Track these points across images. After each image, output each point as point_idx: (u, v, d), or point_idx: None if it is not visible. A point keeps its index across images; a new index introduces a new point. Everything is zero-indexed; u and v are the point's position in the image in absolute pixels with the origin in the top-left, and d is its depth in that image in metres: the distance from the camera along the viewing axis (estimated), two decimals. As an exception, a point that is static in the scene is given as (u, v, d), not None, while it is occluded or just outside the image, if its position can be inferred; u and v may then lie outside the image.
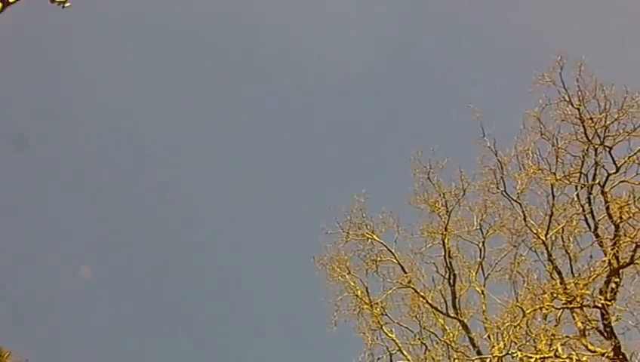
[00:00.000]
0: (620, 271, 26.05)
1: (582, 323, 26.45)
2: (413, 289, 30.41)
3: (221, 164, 53.95)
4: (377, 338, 30.38)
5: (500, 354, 26.95)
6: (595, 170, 26.65)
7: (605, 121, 26.16)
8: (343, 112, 50.70)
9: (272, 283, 46.49)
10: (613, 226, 26.24)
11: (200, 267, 52.20)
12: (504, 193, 28.91)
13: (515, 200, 28.72)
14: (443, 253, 30.25)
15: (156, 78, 52.84)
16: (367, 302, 30.67)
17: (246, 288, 48.31)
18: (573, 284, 26.75)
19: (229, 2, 53.04)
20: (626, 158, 25.99)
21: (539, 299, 27.10)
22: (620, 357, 25.28)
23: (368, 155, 47.27)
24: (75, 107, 53.16)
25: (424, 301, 30.26)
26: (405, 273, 30.55)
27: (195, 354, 48.72)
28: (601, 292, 26.02)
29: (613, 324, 25.91)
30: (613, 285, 26.01)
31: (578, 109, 26.55)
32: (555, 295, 26.81)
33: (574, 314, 26.77)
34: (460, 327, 29.83)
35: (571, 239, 27.89)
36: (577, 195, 27.25)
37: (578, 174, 26.97)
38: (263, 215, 51.13)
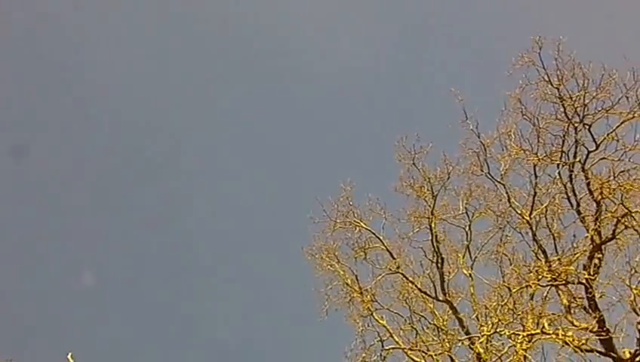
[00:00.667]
0: (603, 246, 26.31)
1: (567, 300, 26.73)
2: (403, 274, 30.61)
3: (218, 163, 54.01)
4: (368, 325, 30.48)
5: (489, 333, 27.23)
6: (576, 148, 26.84)
7: (584, 100, 26.36)
8: (326, 102, 50.87)
9: (269, 275, 46.64)
10: (594, 203, 26.48)
11: (200, 268, 52.33)
12: (488, 175, 29.12)
13: (499, 182, 28.96)
14: (430, 238, 30.47)
15: (156, 81, 53.03)
16: (357, 289, 30.84)
17: (246, 286, 48.41)
18: (557, 262, 27.04)
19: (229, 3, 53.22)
20: (605, 135, 26.22)
21: (525, 278, 27.38)
22: (604, 330, 25.54)
23: (352, 143, 47.39)
24: (77, 112, 53.26)
25: (413, 286, 30.44)
26: (394, 259, 30.77)
27: (197, 357, 49.00)
28: (584, 268, 26.29)
29: (597, 300, 26.17)
30: (597, 261, 26.26)
31: (557, 89, 26.76)
32: (540, 273, 27.06)
33: (559, 292, 27.05)
34: (450, 310, 30.07)
35: (555, 218, 28.15)
36: (559, 174, 27.44)
37: (559, 153, 27.16)
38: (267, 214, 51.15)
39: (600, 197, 26.09)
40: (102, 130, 53.49)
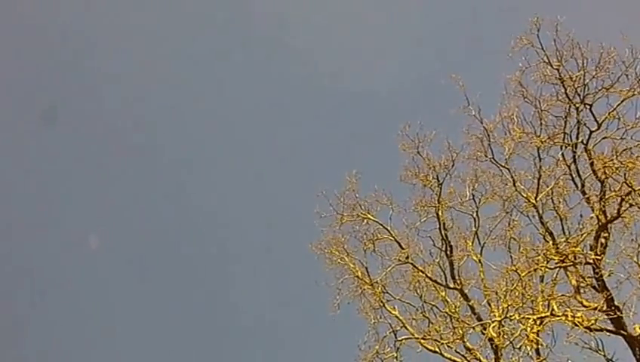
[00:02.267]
0: (609, 225, 26.24)
1: (576, 280, 26.67)
2: (412, 264, 30.64)
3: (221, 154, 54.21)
4: (380, 317, 30.51)
5: (500, 319, 27.23)
6: (578, 128, 26.76)
7: (584, 79, 26.28)
8: (326, 96, 50.99)
9: (274, 267, 46.81)
10: (598, 183, 26.42)
11: (204, 236, 52.62)
12: (492, 160, 29.13)
13: (504, 166, 28.96)
14: (438, 226, 30.50)
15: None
16: (367, 282, 30.90)
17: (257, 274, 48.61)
18: (565, 244, 27.02)
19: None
20: (607, 114, 26.11)
21: (533, 261, 27.38)
22: (613, 308, 25.49)
23: (355, 135, 47.42)
24: (87, 82, 53.48)
25: (424, 275, 30.46)
26: (403, 249, 30.81)
27: (201, 320, 49.50)
28: (591, 249, 26.25)
29: (605, 279, 26.13)
30: (603, 240, 26.20)
31: (557, 70, 26.67)
32: (548, 256, 27.04)
33: (568, 273, 27.02)
34: (461, 297, 30.08)
35: (560, 200, 28.16)
36: (563, 155, 27.40)
37: (562, 135, 27.08)
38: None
39: (604, 176, 26.03)
40: (108, 99, 53.40)
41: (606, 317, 25.72)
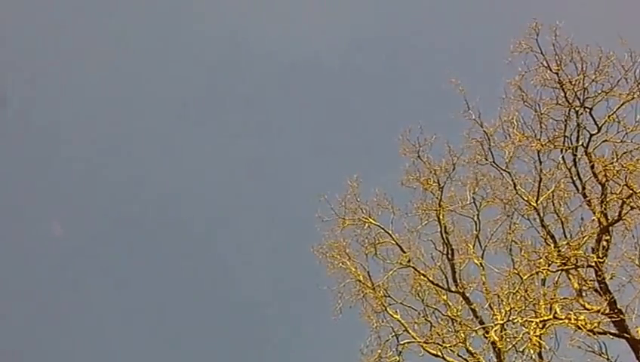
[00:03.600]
0: (610, 228, 26.32)
1: (578, 283, 26.74)
2: (414, 268, 30.75)
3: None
4: (382, 321, 30.64)
5: (502, 322, 27.33)
6: (578, 132, 26.83)
7: (583, 83, 26.34)
8: (328, 98, 51.02)
9: (273, 271, 46.86)
10: (599, 186, 26.51)
11: (176, 222, 52.63)
12: (493, 164, 29.28)
13: (504, 170, 29.10)
14: (439, 230, 30.61)
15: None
16: (369, 285, 31.01)
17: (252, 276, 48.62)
18: (566, 247, 27.10)
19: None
20: (606, 118, 26.18)
21: (535, 264, 27.46)
22: (616, 311, 25.57)
23: (356, 139, 47.50)
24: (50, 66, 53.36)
25: (425, 279, 30.56)
26: (404, 253, 30.91)
27: (171, 307, 49.53)
28: (593, 251, 26.33)
29: (607, 281, 26.18)
30: (604, 243, 26.26)
31: (557, 74, 26.74)
32: (550, 259, 27.12)
33: (570, 276, 27.08)
34: (463, 301, 30.17)
35: (561, 203, 28.28)
36: (563, 159, 27.49)
37: (562, 138, 27.15)
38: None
39: (604, 179, 26.11)
40: (78, 82, 53.39)
41: (609, 319, 25.76)
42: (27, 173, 52.90)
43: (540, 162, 28.20)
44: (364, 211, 31.36)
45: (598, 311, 25.59)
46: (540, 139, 27.62)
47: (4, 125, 52.86)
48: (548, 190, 28.26)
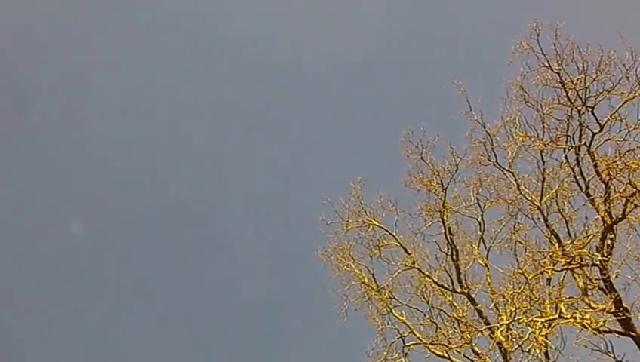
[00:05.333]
0: (614, 227, 26.32)
1: (583, 282, 26.78)
2: (419, 269, 30.81)
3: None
4: (388, 323, 30.73)
5: (508, 322, 27.33)
6: (581, 131, 26.85)
7: (585, 82, 26.34)
8: (331, 101, 51.08)
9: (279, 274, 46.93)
10: (603, 184, 26.46)
11: (194, 219, 52.80)
12: (496, 164, 29.34)
13: (508, 170, 29.16)
14: (443, 231, 30.66)
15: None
16: (374, 288, 31.08)
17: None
18: (571, 246, 27.11)
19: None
20: (609, 116, 26.16)
21: (539, 264, 27.43)
22: (621, 310, 25.58)
23: (359, 142, 47.55)
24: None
25: (430, 280, 30.61)
26: (409, 254, 30.93)
27: (188, 306, 49.64)
28: (597, 250, 26.33)
29: (612, 280, 26.22)
30: (609, 241, 26.26)
31: (558, 73, 26.73)
32: (554, 258, 27.11)
33: (575, 275, 27.12)
34: (468, 302, 30.20)
35: (565, 202, 28.33)
36: (566, 158, 27.49)
37: (565, 137, 27.17)
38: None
39: (608, 178, 26.10)
40: (99, 83, 53.62)
41: (614, 318, 25.79)
42: (48, 171, 53.34)
43: (543, 162, 28.32)
44: (368, 213, 31.40)
45: (604, 309, 25.61)
46: (542, 139, 27.67)
47: (27, 124, 53.35)
48: (551, 189, 28.31)
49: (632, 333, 25.76)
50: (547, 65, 26.90)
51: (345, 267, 31.47)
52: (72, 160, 53.41)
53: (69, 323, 49.88)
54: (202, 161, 53.65)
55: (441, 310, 30.69)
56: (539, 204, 28.23)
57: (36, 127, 53.44)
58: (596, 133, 26.52)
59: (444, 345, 29.29)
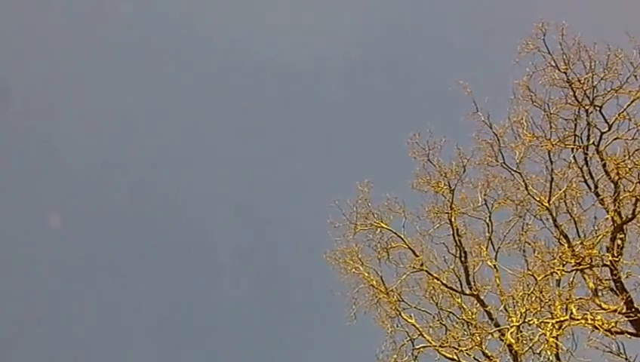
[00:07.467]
0: (624, 227, 26.17)
1: (593, 283, 26.60)
2: (427, 271, 30.62)
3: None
4: (397, 326, 30.56)
5: (518, 324, 27.19)
6: (589, 130, 26.72)
7: (592, 82, 26.25)
8: (338, 102, 50.96)
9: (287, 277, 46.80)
10: (612, 184, 26.35)
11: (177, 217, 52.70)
12: (504, 165, 29.10)
13: (515, 171, 28.93)
14: (452, 232, 30.47)
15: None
16: (383, 290, 30.91)
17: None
18: (580, 246, 26.95)
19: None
20: (617, 115, 26.03)
21: (549, 265, 27.30)
22: (633, 310, 25.41)
23: (366, 144, 47.46)
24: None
25: (439, 282, 30.44)
26: (417, 256, 30.77)
27: (171, 303, 49.47)
28: (607, 250, 26.17)
29: (623, 280, 26.04)
30: (619, 241, 26.12)
31: (565, 73, 26.64)
32: (564, 259, 26.96)
33: (585, 276, 26.92)
34: (477, 304, 30.02)
35: (574, 202, 28.08)
36: (574, 158, 27.32)
37: (573, 137, 27.03)
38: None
39: (617, 177, 25.97)
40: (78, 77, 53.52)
41: (626, 319, 25.61)
42: (26, 165, 53.14)
43: (551, 162, 28.04)
44: (376, 216, 31.26)
45: (615, 310, 25.43)
46: (550, 139, 27.50)
47: (4, 118, 53.17)
48: (560, 190, 28.07)
49: (643, 334, 25.60)
50: (554, 64, 26.79)
51: (353, 270, 31.33)
52: (50, 152, 53.26)
53: (47, 318, 49.78)
54: (192, 155, 53.67)
55: (450, 312, 30.50)
56: (547, 205, 28.01)
57: (13, 119, 53.30)
58: (604, 133, 26.37)
59: (453, 347, 29.10)
